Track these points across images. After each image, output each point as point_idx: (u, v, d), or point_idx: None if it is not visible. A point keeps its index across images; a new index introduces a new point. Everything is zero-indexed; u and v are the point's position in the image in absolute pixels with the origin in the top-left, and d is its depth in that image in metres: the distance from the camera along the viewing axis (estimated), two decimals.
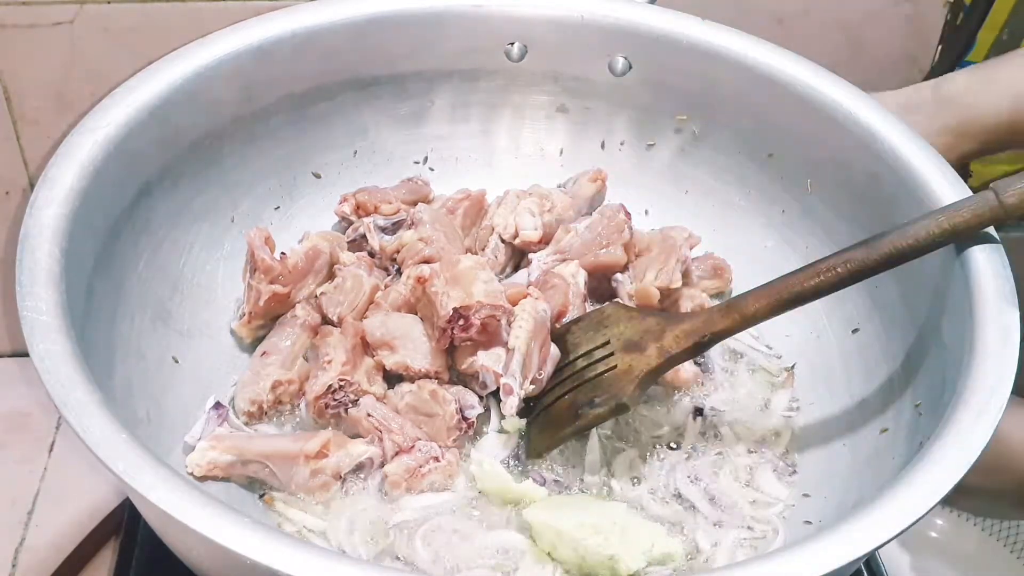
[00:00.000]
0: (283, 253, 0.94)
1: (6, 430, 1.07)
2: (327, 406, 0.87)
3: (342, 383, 0.87)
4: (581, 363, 0.87)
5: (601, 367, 0.86)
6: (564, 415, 0.84)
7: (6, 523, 0.99)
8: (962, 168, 1.16)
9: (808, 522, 0.84)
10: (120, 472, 0.64)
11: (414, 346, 0.89)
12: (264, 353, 0.91)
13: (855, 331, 0.95)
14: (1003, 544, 1.11)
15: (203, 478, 0.83)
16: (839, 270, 0.80)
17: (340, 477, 0.84)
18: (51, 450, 1.06)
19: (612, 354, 0.86)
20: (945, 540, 1.12)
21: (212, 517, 0.62)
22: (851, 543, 0.64)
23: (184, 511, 0.62)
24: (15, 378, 1.12)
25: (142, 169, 0.89)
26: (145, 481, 0.63)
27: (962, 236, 0.80)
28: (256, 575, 0.61)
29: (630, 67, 1.04)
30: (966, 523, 1.13)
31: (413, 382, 0.89)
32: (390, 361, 0.90)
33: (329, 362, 0.88)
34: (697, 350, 0.85)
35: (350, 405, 0.87)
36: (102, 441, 0.65)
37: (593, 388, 0.85)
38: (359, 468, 0.84)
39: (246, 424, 0.89)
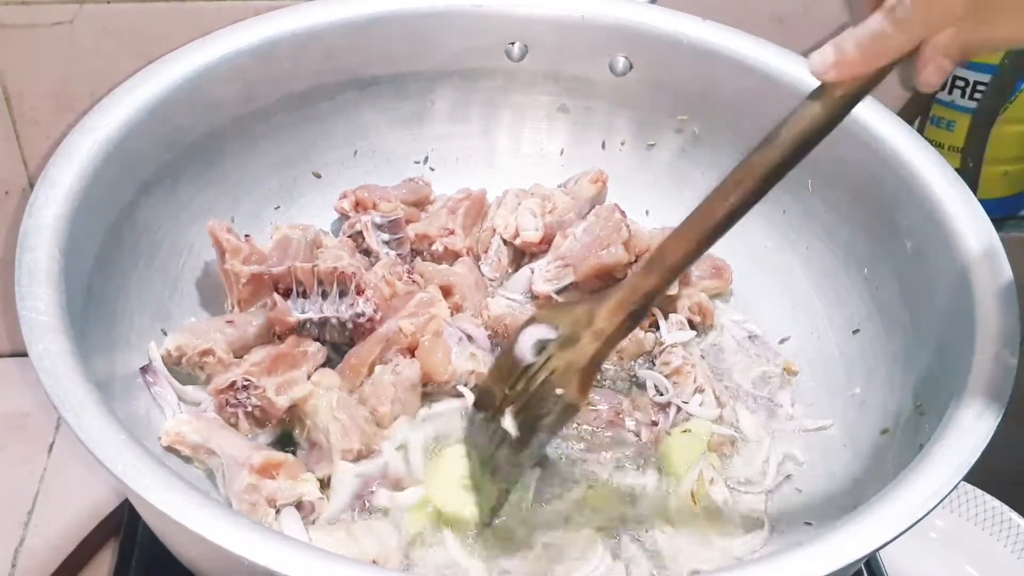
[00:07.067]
0: (247, 235, 0.92)
1: (6, 430, 1.07)
2: (227, 403, 0.85)
3: (246, 383, 0.84)
4: (521, 385, 0.82)
5: (542, 375, 0.81)
6: (521, 438, 0.81)
7: (6, 523, 0.98)
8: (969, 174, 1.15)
9: (808, 523, 0.84)
10: (119, 473, 0.64)
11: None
12: (230, 322, 0.90)
13: (856, 332, 0.95)
14: (1003, 544, 1.11)
15: (168, 448, 0.82)
16: (748, 183, 0.71)
17: (274, 505, 0.79)
18: (51, 450, 1.05)
19: (551, 358, 0.81)
20: (945, 540, 1.12)
21: (211, 518, 0.62)
22: (851, 543, 0.64)
23: (183, 512, 0.62)
24: (15, 378, 1.12)
25: (142, 169, 0.89)
26: (144, 482, 0.63)
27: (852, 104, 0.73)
28: None
29: (631, 67, 1.04)
30: (966, 523, 1.13)
31: None
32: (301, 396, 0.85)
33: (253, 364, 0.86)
34: (634, 320, 0.79)
35: (251, 408, 0.84)
36: (101, 442, 0.65)
37: (540, 400, 0.81)
38: (300, 506, 0.80)
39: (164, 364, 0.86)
